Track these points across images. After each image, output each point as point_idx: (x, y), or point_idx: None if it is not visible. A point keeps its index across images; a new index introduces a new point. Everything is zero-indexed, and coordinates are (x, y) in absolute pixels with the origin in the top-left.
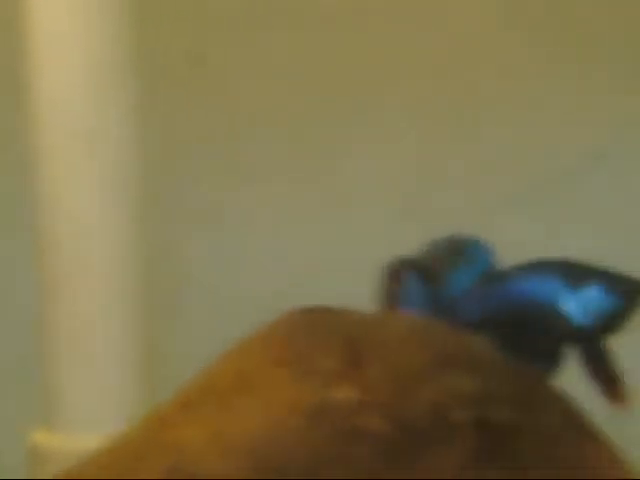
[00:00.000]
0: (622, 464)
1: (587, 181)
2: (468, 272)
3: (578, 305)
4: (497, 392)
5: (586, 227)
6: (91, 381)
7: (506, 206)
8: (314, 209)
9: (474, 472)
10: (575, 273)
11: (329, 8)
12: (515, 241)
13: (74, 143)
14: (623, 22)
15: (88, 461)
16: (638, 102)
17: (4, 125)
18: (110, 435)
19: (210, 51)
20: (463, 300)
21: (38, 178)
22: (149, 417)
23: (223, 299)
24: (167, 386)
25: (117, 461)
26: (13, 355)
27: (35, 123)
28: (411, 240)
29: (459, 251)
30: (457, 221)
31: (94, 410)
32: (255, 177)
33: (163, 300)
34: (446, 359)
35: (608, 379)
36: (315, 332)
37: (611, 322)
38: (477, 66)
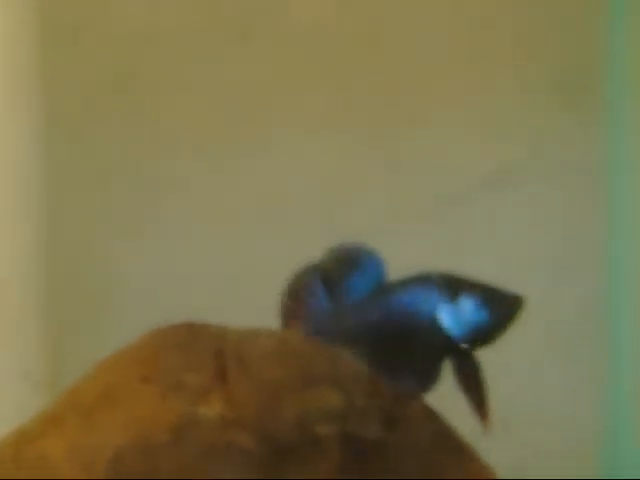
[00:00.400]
0: None
1: (489, 198)
2: (361, 282)
3: (453, 317)
4: (363, 408)
5: (487, 243)
6: None
7: (409, 221)
8: (234, 218)
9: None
10: (453, 286)
11: (249, 28)
12: (418, 255)
13: None
14: (529, 39)
15: None
16: (543, 120)
17: None
18: None
19: (132, 70)
20: (353, 310)
21: None
22: (15, 431)
23: (146, 311)
24: None
25: None
26: None
27: None
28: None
29: (353, 261)
30: (360, 231)
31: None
32: (175, 189)
33: (81, 312)
34: (313, 375)
35: (478, 396)
36: (183, 348)
37: (484, 335)
38: (392, 83)
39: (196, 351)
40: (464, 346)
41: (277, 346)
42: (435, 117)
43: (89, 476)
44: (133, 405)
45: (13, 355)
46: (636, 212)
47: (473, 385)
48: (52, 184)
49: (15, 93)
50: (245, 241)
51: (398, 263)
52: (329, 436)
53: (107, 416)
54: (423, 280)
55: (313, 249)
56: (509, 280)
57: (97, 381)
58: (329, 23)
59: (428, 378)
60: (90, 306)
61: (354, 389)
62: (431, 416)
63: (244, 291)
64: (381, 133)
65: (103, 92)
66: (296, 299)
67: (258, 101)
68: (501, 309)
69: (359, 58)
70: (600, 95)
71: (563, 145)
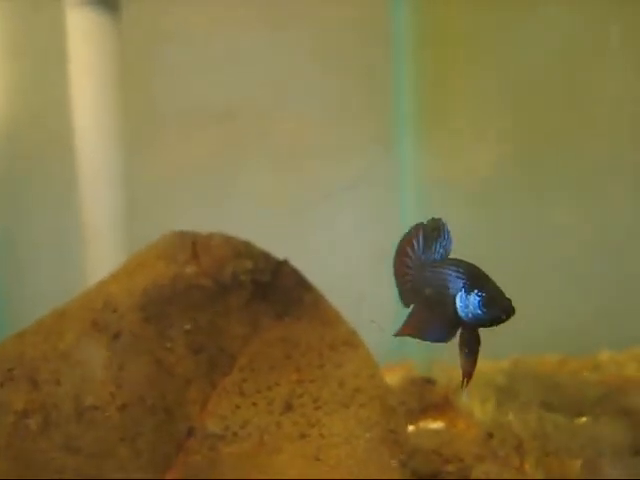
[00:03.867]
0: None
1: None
2: (440, 248)
3: (463, 305)
4: (261, 268)
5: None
6: None
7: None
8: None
9: (252, 303)
10: (471, 280)
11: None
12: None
13: None
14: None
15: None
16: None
17: None
18: None
19: None
20: (429, 265)
21: None
22: (95, 283)
23: None
24: None
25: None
26: None
27: None
28: None
29: (441, 231)
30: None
31: None
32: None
33: None
34: (239, 252)
35: (470, 364)
36: (177, 242)
37: (480, 324)
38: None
39: (183, 243)
40: (468, 326)
41: (223, 240)
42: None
43: (131, 297)
44: (152, 269)
45: None
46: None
47: (470, 355)
48: None
49: None
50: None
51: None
52: (246, 280)
53: (140, 275)
54: (457, 266)
55: None
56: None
57: (133, 259)
58: None
59: (446, 334)
60: None
61: (257, 259)
62: (296, 273)
63: None
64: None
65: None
66: (404, 245)
67: None
68: (495, 312)
69: None
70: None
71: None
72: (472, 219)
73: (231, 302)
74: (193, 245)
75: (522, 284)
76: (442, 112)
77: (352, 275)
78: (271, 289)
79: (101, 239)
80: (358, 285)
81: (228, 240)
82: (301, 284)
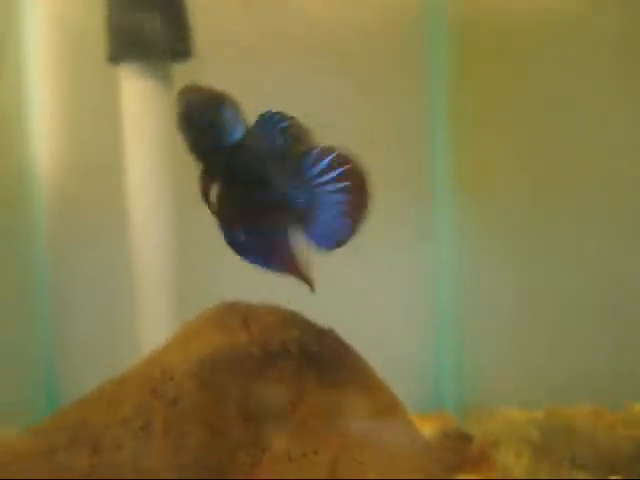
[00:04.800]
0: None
1: None
2: None
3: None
4: (309, 337)
5: None
6: None
7: None
8: None
9: (300, 370)
10: None
11: None
12: None
13: None
14: None
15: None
16: None
17: None
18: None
19: None
20: None
21: None
22: (154, 351)
23: None
24: None
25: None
26: None
27: None
28: None
29: None
30: None
31: None
32: None
33: None
34: (288, 322)
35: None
36: (229, 312)
37: None
38: None
39: (234, 313)
40: None
41: (272, 310)
42: None
43: (187, 366)
44: (206, 339)
45: None
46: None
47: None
48: None
49: None
50: None
51: None
52: (293, 349)
53: (194, 343)
54: None
55: None
56: None
57: (187, 328)
58: None
59: None
60: None
61: (304, 328)
62: (341, 342)
63: None
64: None
65: None
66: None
67: None
68: None
69: None
70: None
71: None
72: (508, 270)
73: (279, 370)
74: (244, 315)
75: (559, 332)
76: (479, 170)
77: (387, 329)
78: (317, 357)
79: (152, 300)
80: (393, 339)
81: (276, 310)
82: (346, 352)
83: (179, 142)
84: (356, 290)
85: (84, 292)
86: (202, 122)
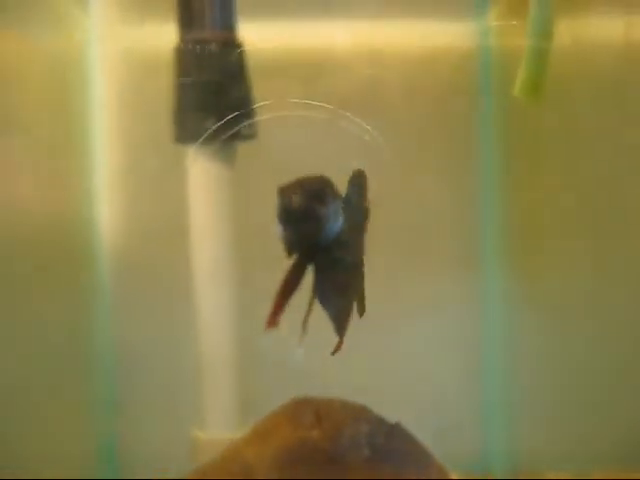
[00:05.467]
0: None
1: None
2: None
3: None
4: (378, 431)
5: None
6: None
7: None
8: None
9: (369, 465)
10: None
11: None
12: None
13: None
14: None
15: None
16: None
17: None
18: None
19: None
20: None
21: None
22: (232, 443)
23: None
24: None
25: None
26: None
27: None
28: None
29: None
30: None
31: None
32: None
33: None
34: (357, 417)
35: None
36: (302, 407)
37: None
38: None
39: (307, 408)
40: None
41: (342, 405)
42: None
43: (264, 461)
44: (282, 434)
45: None
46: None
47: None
48: None
49: None
50: None
51: None
52: (362, 443)
53: (271, 438)
54: None
55: None
56: None
57: (264, 422)
58: None
59: None
60: None
61: (373, 423)
62: (409, 436)
63: None
64: None
65: None
66: None
67: None
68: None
69: None
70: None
71: None
72: (556, 334)
73: (349, 464)
74: (316, 411)
75: (611, 397)
76: (531, 234)
77: (437, 398)
78: (385, 450)
79: (214, 370)
80: (443, 408)
81: (346, 405)
82: (413, 446)
83: (240, 219)
84: (404, 355)
85: (147, 345)
86: (303, 221)
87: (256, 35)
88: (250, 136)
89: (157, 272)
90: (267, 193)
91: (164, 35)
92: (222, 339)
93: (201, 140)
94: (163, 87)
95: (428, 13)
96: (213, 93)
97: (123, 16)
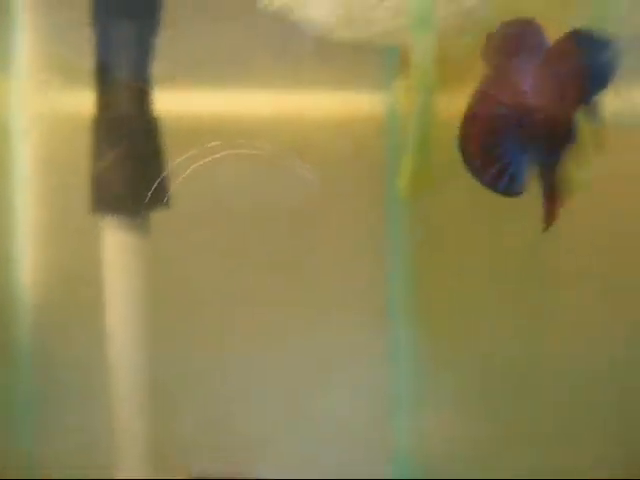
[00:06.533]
0: None
1: None
2: None
3: None
4: None
5: None
6: None
7: None
8: None
9: None
10: None
11: None
12: None
13: None
14: None
15: None
16: None
17: None
18: None
19: None
20: None
21: None
22: None
23: None
24: None
25: None
26: None
27: None
28: None
29: None
30: None
31: None
32: None
33: None
34: None
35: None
36: None
37: None
38: None
39: None
40: None
41: None
42: None
43: None
44: None
45: None
46: None
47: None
48: None
49: None
50: None
51: None
52: None
53: None
54: None
55: None
56: None
57: None
58: None
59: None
60: None
61: None
62: None
63: None
64: None
65: None
66: None
67: None
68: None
69: None
70: None
71: None
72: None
73: None
74: None
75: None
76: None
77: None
78: None
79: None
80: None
81: None
82: None
83: (152, 287)
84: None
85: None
86: None
87: (174, 104)
88: (164, 205)
89: (73, 334)
90: (181, 260)
91: (85, 101)
92: (135, 395)
93: (114, 210)
94: (82, 154)
95: (343, 84)
96: (128, 163)
97: (45, 81)
